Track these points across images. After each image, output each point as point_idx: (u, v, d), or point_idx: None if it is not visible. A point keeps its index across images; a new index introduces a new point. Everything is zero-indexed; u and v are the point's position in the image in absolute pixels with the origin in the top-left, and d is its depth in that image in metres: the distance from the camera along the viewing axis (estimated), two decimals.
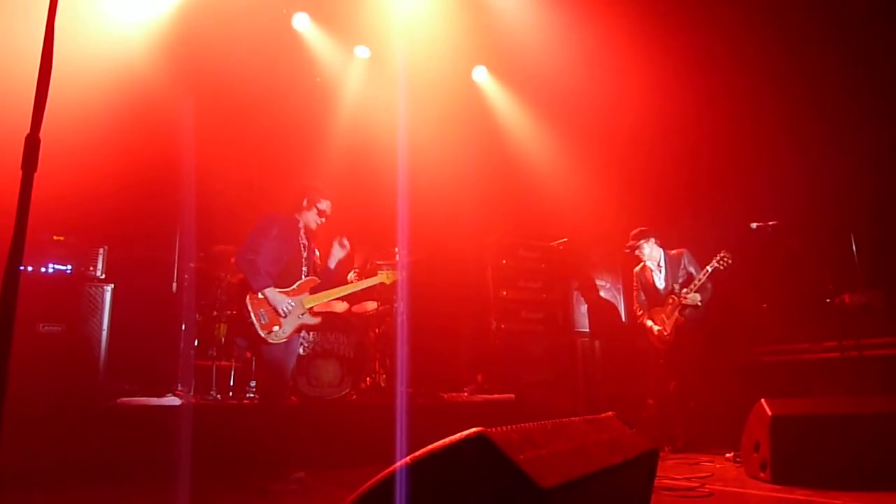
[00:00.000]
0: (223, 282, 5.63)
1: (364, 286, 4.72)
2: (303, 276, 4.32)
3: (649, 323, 5.66)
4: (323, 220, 4.46)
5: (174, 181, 6.08)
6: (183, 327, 5.61)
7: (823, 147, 6.20)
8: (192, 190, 5.94)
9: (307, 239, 4.45)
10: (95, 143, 5.49)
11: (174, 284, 5.95)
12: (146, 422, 4.46)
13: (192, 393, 5.33)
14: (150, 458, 4.13)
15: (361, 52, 7.58)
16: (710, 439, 5.41)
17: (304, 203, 4.39)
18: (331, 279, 4.51)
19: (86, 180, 5.28)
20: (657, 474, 2.22)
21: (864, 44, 6.01)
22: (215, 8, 6.40)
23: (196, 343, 5.59)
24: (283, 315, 4.08)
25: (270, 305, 4.05)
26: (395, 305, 5.97)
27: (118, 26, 6.14)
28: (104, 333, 4.60)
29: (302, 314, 4.20)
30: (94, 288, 4.64)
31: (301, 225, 4.40)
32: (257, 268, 4.08)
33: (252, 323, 3.99)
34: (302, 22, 7.15)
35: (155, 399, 4.97)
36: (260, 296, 4.04)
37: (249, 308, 4.00)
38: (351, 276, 6.16)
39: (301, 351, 4.48)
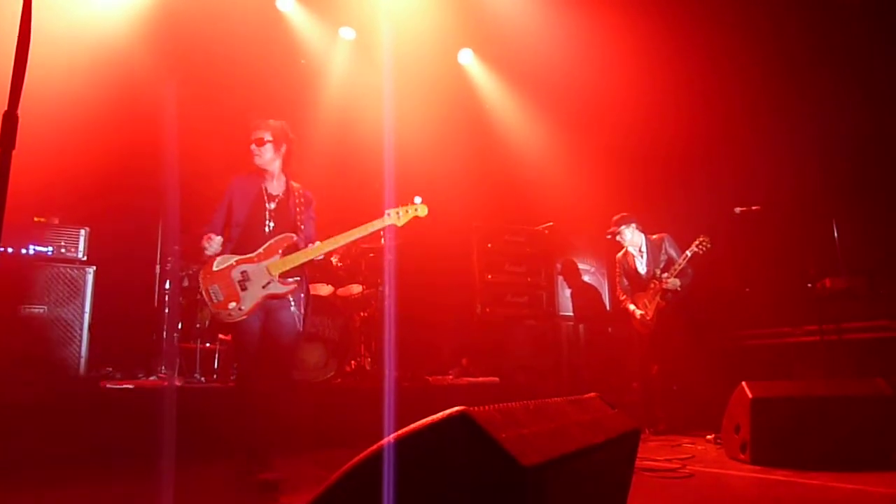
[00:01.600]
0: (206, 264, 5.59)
1: (369, 230, 3.76)
2: (267, 232, 3.65)
3: (632, 307, 5.71)
4: (261, 151, 3.73)
5: (157, 163, 6.01)
6: (166, 310, 5.58)
7: (806, 132, 6.24)
8: (175, 172, 5.87)
9: (285, 190, 3.81)
10: (77, 124, 5.42)
11: (157, 267, 5.90)
12: (129, 405, 4.44)
13: (175, 376, 5.31)
14: (134, 441, 4.11)
15: (346, 33, 7.51)
16: (692, 422, 5.48)
17: (251, 148, 3.75)
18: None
19: (67, 161, 5.23)
20: (639, 456, 2.25)
21: (847, 30, 6.03)
22: None
23: (180, 326, 5.56)
24: (237, 288, 3.50)
25: (223, 278, 3.51)
26: (381, 289, 5.97)
27: (99, 3, 6.03)
28: (86, 316, 4.56)
29: (266, 284, 3.53)
30: (75, 270, 4.60)
31: (270, 175, 3.79)
32: (201, 236, 3.63)
33: (204, 300, 3.54)
34: (286, 2, 7.06)
35: (138, 382, 4.94)
36: (215, 267, 3.53)
37: (200, 284, 3.54)
38: (334, 260, 6.15)
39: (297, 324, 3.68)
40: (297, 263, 3.60)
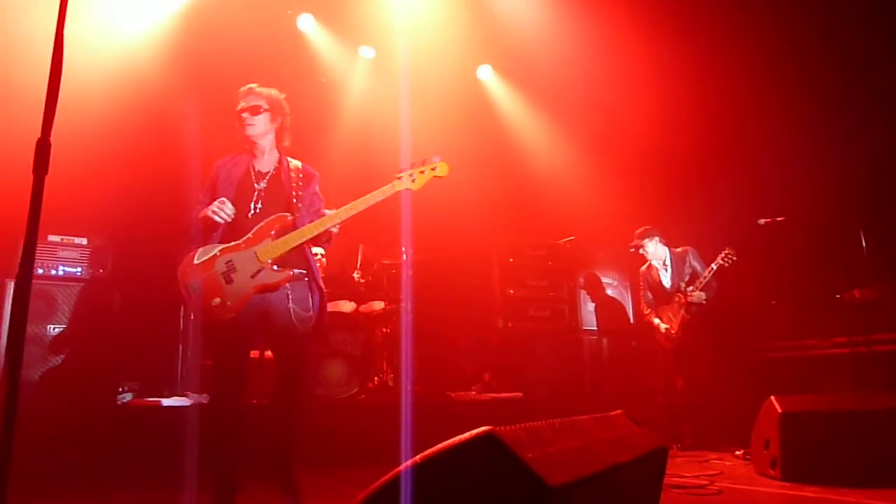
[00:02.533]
0: None
1: (378, 198, 3.21)
2: (254, 214, 3.16)
3: (656, 321, 5.66)
4: (254, 120, 3.30)
5: (181, 183, 6.10)
6: (189, 327, 5.64)
7: (830, 142, 6.17)
8: (199, 192, 5.95)
9: (277, 166, 3.34)
10: (104, 146, 5.53)
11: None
12: (154, 422, 4.48)
13: (200, 394, 5.35)
14: (158, 459, 4.15)
15: (366, 52, 7.59)
16: (719, 437, 5.39)
17: (243, 116, 3.31)
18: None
19: (94, 183, 5.32)
20: (666, 472, 2.22)
21: (867, 41, 5.98)
22: (220, 11, 6.42)
23: (203, 343, 5.61)
24: (221, 280, 2.97)
25: (205, 271, 2.99)
26: (402, 304, 5.99)
27: (124, 29, 6.18)
28: (111, 335, 4.63)
29: (256, 273, 2.99)
30: (102, 289, 4.68)
31: (260, 151, 3.36)
32: (184, 229, 3.25)
33: (184, 299, 3.06)
34: (307, 23, 7.17)
35: (163, 399, 4.99)
36: (196, 260, 3.03)
37: (180, 279, 3.04)
38: (356, 276, 6.17)
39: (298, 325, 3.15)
40: (292, 245, 3.06)
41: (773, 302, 6.34)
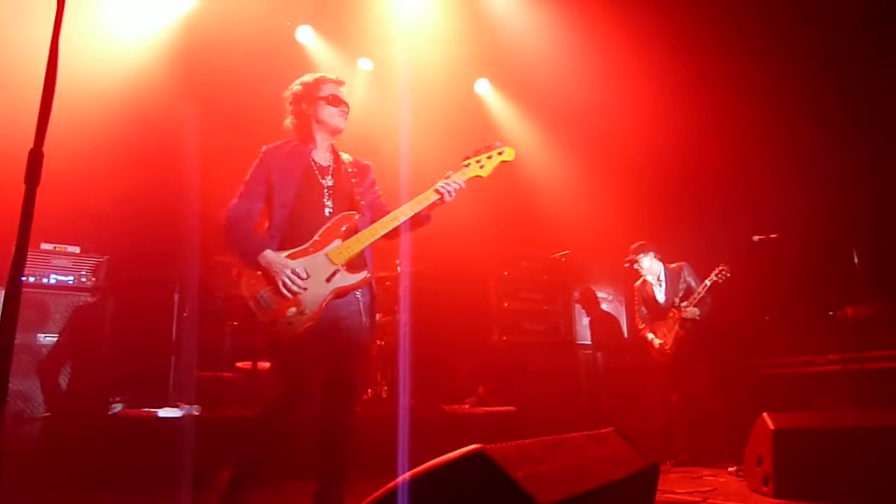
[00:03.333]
0: (225, 293, 5.64)
1: (456, 183, 2.96)
2: (326, 214, 2.88)
3: (651, 336, 5.66)
4: (345, 110, 3.13)
5: (177, 193, 6.10)
6: (184, 338, 5.62)
7: (825, 161, 6.21)
8: (196, 202, 5.95)
9: (336, 161, 3.10)
10: (99, 155, 5.52)
11: (176, 295, 5.95)
12: (146, 433, 4.45)
13: (193, 405, 5.32)
14: (151, 470, 4.12)
15: (364, 64, 7.62)
16: (713, 453, 5.37)
17: (303, 107, 3.07)
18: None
19: (89, 191, 5.31)
20: (659, 488, 2.21)
21: (861, 58, 6.03)
22: (219, 21, 6.45)
23: (197, 354, 5.58)
24: (295, 288, 2.67)
25: (273, 280, 2.68)
26: (398, 317, 5.97)
27: (122, 39, 6.19)
28: (104, 344, 4.61)
29: (331, 276, 2.74)
30: (95, 298, 4.65)
31: (319, 143, 3.09)
32: (245, 228, 2.84)
33: (254, 313, 2.70)
34: (306, 35, 7.19)
35: (155, 410, 4.96)
36: (259, 271, 2.72)
37: (245, 291, 2.73)
38: None
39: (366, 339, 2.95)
40: (365, 244, 2.83)
41: (767, 318, 6.36)
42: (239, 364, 5.57)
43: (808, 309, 5.87)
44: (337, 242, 2.80)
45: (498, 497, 1.43)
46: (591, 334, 7.08)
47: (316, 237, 2.81)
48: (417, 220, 2.96)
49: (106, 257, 4.89)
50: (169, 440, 4.32)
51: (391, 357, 5.94)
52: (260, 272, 2.70)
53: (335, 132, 3.12)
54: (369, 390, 5.85)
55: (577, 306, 7.12)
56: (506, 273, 6.88)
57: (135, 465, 4.18)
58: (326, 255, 2.77)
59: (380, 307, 6.10)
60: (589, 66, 6.98)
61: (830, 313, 5.42)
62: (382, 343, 6.06)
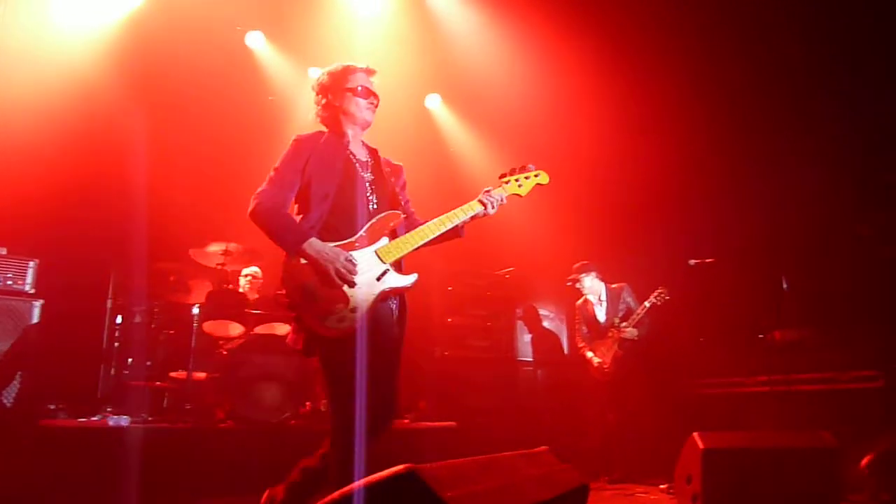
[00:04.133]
0: (161, 300, 5.49)
1: (499, 197, 2.97)
2: (371, 209, 2.73)
3: (590, 355, 5.76)
4: (374, 102, 2.93)
5: (117, 195, 5.93)
6: (116, 346, 5.44)
7: (759, 190, 6.46)
8: (141, 205, 5.79)
9: (371, 156, 2.93)
10: (34, 152, 5.33)
11: (109, 302, 5.76)
12: (72, 445, 4.27)
13: (122, 415, 5.14)
14: (76, 483, 3.96)
15: (315, 73, 7.56)
16: (648, 470, 5.49)
17: (329, 98, 2.89)
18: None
19: (18, 191, 5.10)
20: None
21: (799, 89, 6.31)
22: (166, 21, 6.31)
23: (129, 362, 5.41)
24: (344, 284, 2.48)
25: (321, 271, 2.47)
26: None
27: (63, 34, 5.99)
28: (30, 351, 4.42)
29: (381, 275, 2.59)
30: (21, 303, 4.46)
31: (351, 137, 2.90)
32: (285, 216, 2.62)
33: (300, 309, 2.49)
34: (256, 40, 7.11)
35: (82, 421, 4.77)
36: (302, 260, 2.50)
37: (292, 282, 2.50)
38: None
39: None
40: (413, 246, 2.69)
41: (702, 339, 6.54)
42: (173, 374, 5.41)
43: (739, 331, 6.07)
44: (384, 240, 2.66)
45: None
46: (533, 351, 7.15)
47: (362, 232, 2.63)
48: (453, 232, 2.86)
49: (35, 260, 4.70)
50: (96, 451, 4.17)
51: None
52: (304, 261, 2.48)
53: (364, 126, 2.93)
54: (308, 403, 5.77)
55: (520, 323, 7.19)
56: (450, 288, 6.91)
57: (62, 477, 4.01)
58: (376, 252, 2.61)
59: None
60: (538, 87, 7.11)
61: (760, 336, 5.62)
62: None
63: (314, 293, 2.44)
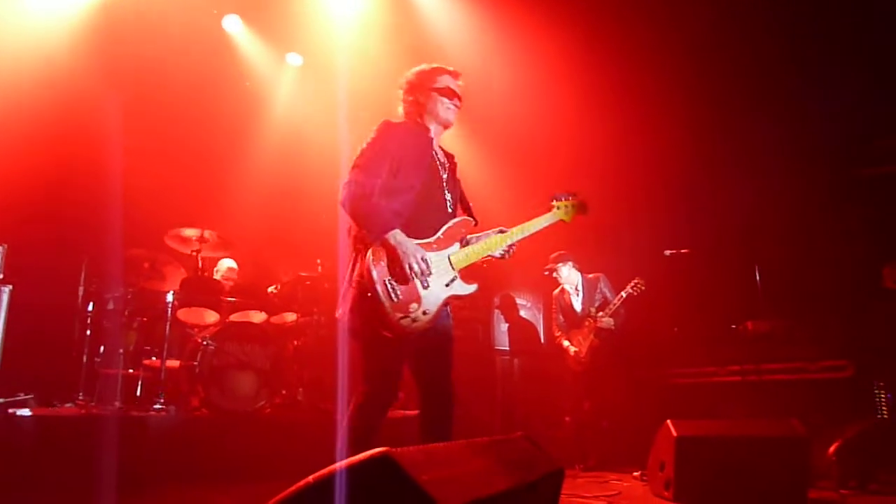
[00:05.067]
0: (135, 287, 5.41)
1: (541, 226, 3.10)
2: (448, 211, 2.76)
3: (566, 344, 5.80)
4: (457, 104, 2.93)
5: (89, 180, 5.83)
6: (88, 333, 5.35)
7: (734, 183, 6.54)
8: (116, 190, 5.69)
9: (446, 157, 2.94)
10: (3, 136, 5.21)
11: (81, 288, 5.66)
12: (43, 433, 4.20)
13: (93, 403, 5.07)
14: (48, 472, 3.90)
15: (293, 59, 7.49)
16: (622, 458, 5.55)
17: (420, 99, 2.89)
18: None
19: None
20: (567, 493, 2.27)
21: (776, 86, 6.39)
22: (142, 1, 6.19)
23: (101, 350, 5.33)
24: (419, 283, 2.51)
25: (402, 265, 2.48)
26: (316, 317, 5.89)
27: (34, 16, 5.85)
28: None
29: (450, 282, 2.62)
30: None
31: (433, 133, 2.90)
32: (373, 202, 2.55)
33: (377, 301, 2.42)
34: (233, 24, 7.00)
35: (53, 409, 4.70)
36: (383, 251, 2.50)
37: (373, 272, 2.44)
38: (271, 289, 6.04)
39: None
40: (480, 257, 2.76)
41: (676, 329, 6.62)
42: (146, 361, 5.35)
43: (713, 322, 6.16)
44: (456, 246, 2.71)
45: (403, 500, 1.43)
46: (509, 340, 7.18)
47: (440, 234, 2.67)
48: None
49: (4, 245, 4.60)
50: (67, 440, 4.11)
51: (308, 358, 5.84)
52: (384, 251, 2.49)
53: (447, 125, 2.93)
54: (283, 392, 5.74)
55: (497, 312, 7.21)
56: None
57: (31, 467, 3.95)
58: (449, 257, 2.66)
59: (298, 308, 6.01)
60: (517, 76, 7.10)
61: (733, 327, 5.70)
62: (298, 343, 5.96)
63: (396, 289, 2.45)
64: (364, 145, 2.70)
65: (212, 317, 5.61)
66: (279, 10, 6.79)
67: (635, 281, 5.55)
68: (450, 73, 2.94)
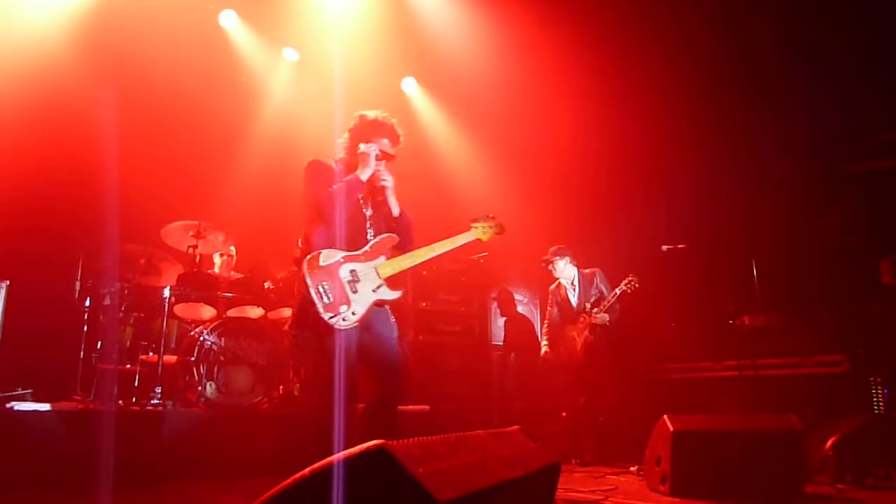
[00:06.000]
0: (131, 282, 5.40)
1: (458, 244, 3.57)
2: (370, 237, 3.31)
3: (543, 343, 5.89)
4: (392, 150, 3.47)
5: (83, 175, 5.81)
6: (84, 329, 5.34)
7: (732, 177, 6.55)
8: (112, 185, 5.67)
9: (372, 192, 3.45)
10: None
11: (77, 283, 5.65)
12: (41, 429, 4.19)
13: (92, 398, 5.06)
14: (43, 467, 3.90)
15: (290, 54, 7.47)
16: (618, 453, 5.55)
17: (362, 148, 3.38)
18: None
19: None
20: (563, 487, 2.28)
21: (772, 81, 6.39)
22: None
23: (98, 346, 5.32)
24: (348, 289, 3.06)
25: (334, 276, 3.05)
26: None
27: (30, 10, 5.83)
28: None
29: (377, 288, 3.16)
30: None
31: (363, 176, 3.36)
32: (324, 222, 3.15)
33: (312, 301, 2.96)
34: (229, 19, 6.98)
35: (49, 404, 4.69)
36: (322, 262, 3.05)
37: (308, 280, 2.99)
38: (267, 284, 6.02)
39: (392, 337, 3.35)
40: (403, 268, 3.30)
41: (672, 324, 6.63)
42: (143, 357, 5.34)
43: (709, 317, 6.17)
44: (382, 259, 3.23)
45: (398, 493, 1.43)
46: (506, 336, 7.18)
47: (367, 248, 3.22)
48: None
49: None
50: (65, 435, 4.11)
51: (304, 353, 5.83)
52: (322, 266, 3.03)
53: (372, 175, 3.37)
54: (280, 387, 5.73)
55: (494, 307, 7.22)
56: (424, 273, 6.90)
57: (27, 464, 3.94)
58: (376, 268, 3.18)
59: (295, 302, 5.98)
60: (514, 72, 7.10)
61: (730, 322, 5.71)
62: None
63: (330, 292, 3.00)
64: (312, 177, 3.31)
65: (208, 312, 5.60)
66: (275, 5, 6.78)
67: (630, 278, 5.55)
68: (391, 133, 3.47)
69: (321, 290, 2.98)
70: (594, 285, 5.83)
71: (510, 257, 7.42)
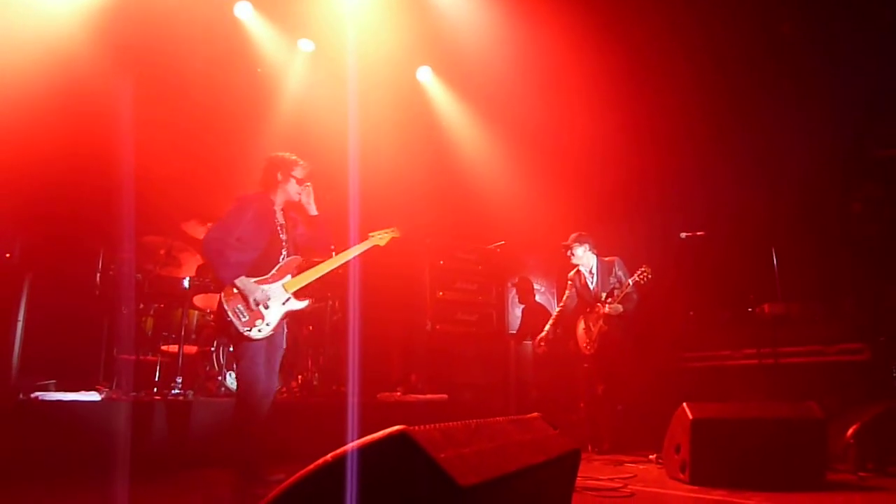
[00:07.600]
0: (151, 274, 5.45)
1: (356, 253, 4.18)
2: (281, 260, 3.94)
3: (546, 328, 5.84)
4: (306, 187, 4.07)
5: (104, 166, 5.86)
6: (105, 320, 5.40)
7: (751, 164, 6.47)
8: (126, 176, 5.72)
9: (284, 218, 4.08)
10: (19, 126, 5.25)
11: (98, 275, 5.71)
12: (65, 418, 4.26)
13: (114, 388, 5.13)
14: (68, 455, 3.96)
15: (305, 45, 7.47)
16: (636, 441, 5.54)
17: (279, 177, 4.01)
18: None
19: (5, 163, 5.03)
20: (582, 475, 2.28)
21: (791, 67, 6.30)
22: None
23: (120, 337, 5.38)
24: (261, 307, 3.73)
25: (248, 299, 3.70)
26: (330, 303, 5.91)
27: (49, 5, 5.87)
28: (19, 324, 4.38)
29: (285, 301, 3.83)
30: (9, 275, 4.42)
31: (277, 204, 4.03)
32: (225, 257, 3.73)
33: (230, 322, 3.65)
34: (244, 10, 7.00)
35: (73, 394, 4.76)
36: (234, 290, 3.70)
37: (225, 305, 3.66)
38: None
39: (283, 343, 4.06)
40: (308, 281, 3.97)
41: (691, 312, 6.59)
42: (164, 347, 5.40)
43: (729, 305, 6.12)
44: (289, 277, 3.91)
45: (420, 478, 1.44)
46: (523, 324, 7.18)
47: (274, 271, 3.87)
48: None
49: (23, 233, 4.65)
50: (88, 424, 4.17)
51: (321, 344, 5.88)
52: (236, 291, 3.69)
53: (290, 201, 4.09)
54: (300, 377, 5.78)
55: (512, 296, 7.22)
56: (441, 262, 6.91)
57: (51, 453, 4.01)
58: (283, 285, 3.86)
59: (312, 293, 6.02)
60: (530, 62, 7.05)
61: (749, 310, 5.67)
62: (312, 328, 5.99)
63: (244, 313, 3.69)
64: (225, 214, 3.85)
65: None
66: None
67: (642, 269, 5.51)
68: (303, 166, 4.08)
69: (237, 311, 3.67)
70: (613, 273, 5.79)
71: (528, 247, 7.41)
